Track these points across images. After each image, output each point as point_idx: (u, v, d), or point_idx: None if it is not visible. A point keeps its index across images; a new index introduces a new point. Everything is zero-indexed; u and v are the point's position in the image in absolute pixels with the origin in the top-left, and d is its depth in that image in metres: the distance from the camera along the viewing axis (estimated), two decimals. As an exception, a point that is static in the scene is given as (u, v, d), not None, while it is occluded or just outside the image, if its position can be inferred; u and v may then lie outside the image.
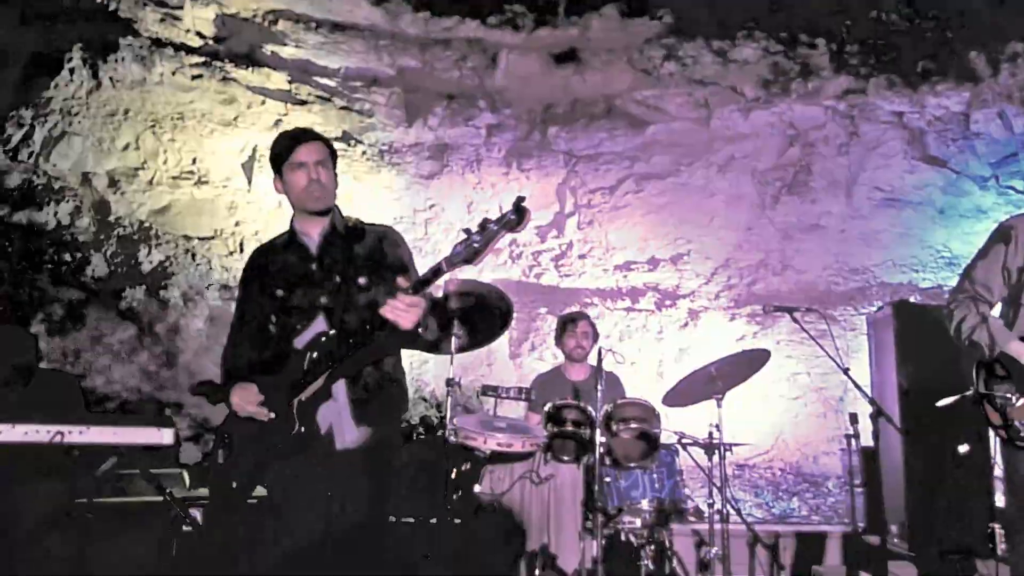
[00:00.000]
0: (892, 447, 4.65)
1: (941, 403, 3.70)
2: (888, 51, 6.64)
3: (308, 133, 2.80)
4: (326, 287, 2.71)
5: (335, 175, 2.80)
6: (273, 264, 2.79)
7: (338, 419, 2.59)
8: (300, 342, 2.63)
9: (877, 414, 3.85)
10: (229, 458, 2.62)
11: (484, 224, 2.32)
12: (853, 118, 6.95)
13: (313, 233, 2.77)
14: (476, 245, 2.30)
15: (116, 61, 6.34)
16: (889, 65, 6.69)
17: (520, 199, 2.29)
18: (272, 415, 2.55)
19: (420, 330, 2.50)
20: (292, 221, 2.81)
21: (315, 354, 2.58)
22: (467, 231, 2.31)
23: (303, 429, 2.54)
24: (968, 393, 3.19)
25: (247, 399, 2.57)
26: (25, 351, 4.13)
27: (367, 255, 2.77)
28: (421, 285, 2.43)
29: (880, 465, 4.62)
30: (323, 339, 2.59)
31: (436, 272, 2.39)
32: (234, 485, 2.60)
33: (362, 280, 2.72)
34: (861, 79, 6.75)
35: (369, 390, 2.66)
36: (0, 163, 6.19)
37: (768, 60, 6.78)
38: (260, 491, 2.68)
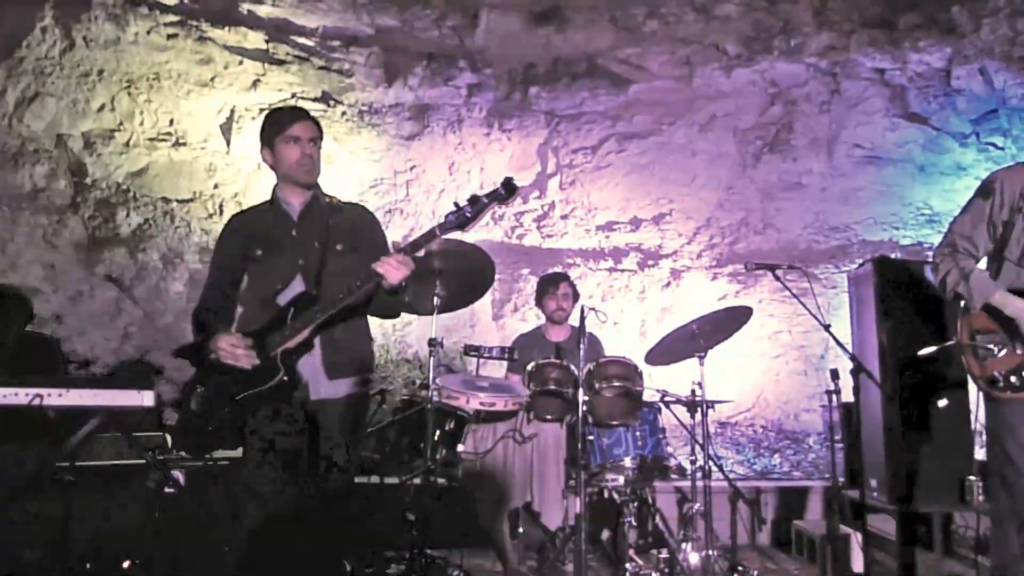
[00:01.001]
0: (872, 403, 4.70)
1: (923, 352, 3.75)
2: (870, 5, 6.58)
3: (304, 112, 3.02)
4: (304, 250, 2.88)
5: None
6: (253, 226, 2.97)
7: (314, 372, 2.79)
8: (282, 299, 2.81)
9: (858, 370, 3.89)
10: (205, 406, 2.74)
11: (475, 198, 2.62)
12: (835, 75, 6.91)
13: (295, 202, 2.97)
14: (468, 215, 2.60)
15: (89, 20, 6.19)
16: (871, 21, 6.64)
17: (509, 178, 2.64)
18: (257, 361, 2.70)
19: (400, 287, 2.69)
20: (275, 190, 3.01)
21: (295, 308, 2.75)
22: (457, 204, 2.63)
23: (286, 378, 2.70)
24: (950, 343, 3.23)
25: (234, 343, 2.71)
26: (21, 313, 4.10)
27: (344, 226, 2.96)
28: (414, 247, 2.66)
29: (860, 421, 4.67)
30: (304, 296, 2.77)
31: (428, 236, 2.66)
32: (210, 429, 2.72)
33: (339, 246, 2.91)
34: (843, 35, 6.70)
35: (339, 348, 2.85)
36: (-28, 125, 6.07)
37: (750, 17, 6.71)
38: (230, 453, 2.81)
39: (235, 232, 3.01)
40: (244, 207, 3.30)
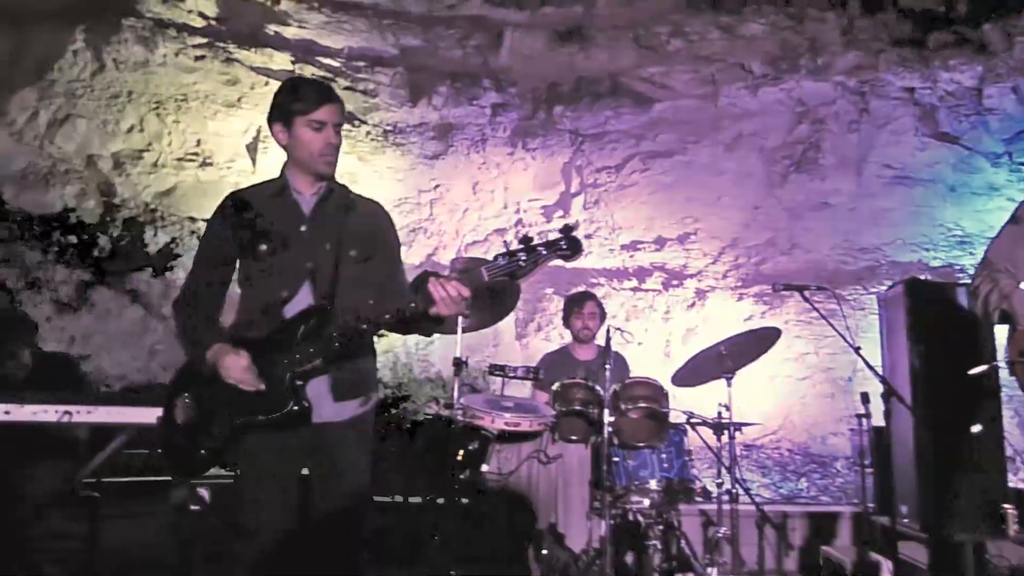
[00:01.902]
0: (903, 427, 4.61)
1: (973, 371, 3.65)
2: (899, 25, 6.53)
3: (332, 92, 2.60)
4: (315, 252, 2.54)
5: None
6: (257, 213, 2.56)
7: (317, 393, 2.48)
8: (289, 310, 2.49)
9: (889, 394, 3.81)
10: (194, 421, 2.46)
11: (531, 248, 2.29)
12: (863, 94, 6.86)
13: (307, 192, 2.61)
14: (522, 264, 2.29)
15: (119, 43, 6.29)
16: (900, 40, 6.59)
17: (571, 227, 2.28)
18: (262, 387, 2.39)
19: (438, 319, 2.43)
20: (285, 171, 2.63)
21: (306, 326, 2.44)
22: (509, 249, 2.30)
23: (296, 408, 2.40)
24: (999, 362, 3.16)
25: (240, 366, 2.39)
26: (26, 334, 4.15)
27: (359, 227, 2.62)
28: (471, 280, 2.35)
29: (891, 445, 4.58)
30: (317, 312, 2.47)
31: (476, 276, 2.34)
32: (202, 452, 2.44)
33: (352, 252, 2.58)
34: (871, 54, 6.66)
35: (345, 367, 2.53)
36: (6, 145, 6.16)
37: (776, 36, 6.69)
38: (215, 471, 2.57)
39: (235, 217, 2.58)
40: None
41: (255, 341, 2.44)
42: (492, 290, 3.86)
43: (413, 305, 2.39)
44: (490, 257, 2.38)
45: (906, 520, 4.63)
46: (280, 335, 2.44)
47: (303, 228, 2.56)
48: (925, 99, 6.84)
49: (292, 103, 2.52)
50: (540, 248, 2.28)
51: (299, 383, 2.42)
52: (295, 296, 2.50)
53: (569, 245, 2.28)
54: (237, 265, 2.59)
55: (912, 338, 4.63)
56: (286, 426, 2.41)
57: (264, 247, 2.51)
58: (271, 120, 2.58)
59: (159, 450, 2.65)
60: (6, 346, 3.99)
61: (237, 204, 2.59)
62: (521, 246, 2.30)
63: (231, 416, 2.42)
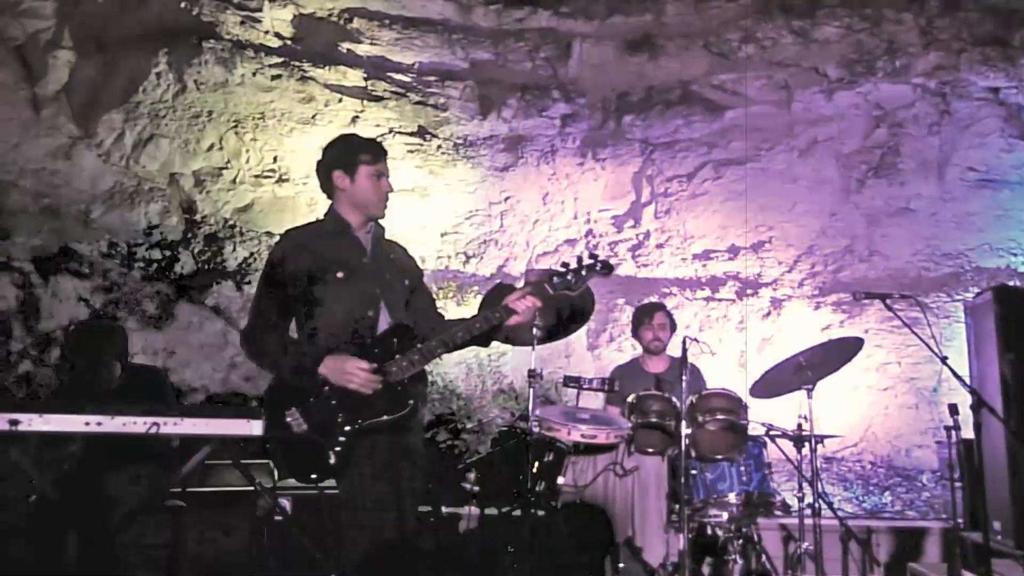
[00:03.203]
0: (994, 439, 4.44)
1: None
2: (981, 23, 6.30)
3: (385, 149, 3.04)
4: (379, 280, 2.92)
5: None
6: (324, 247, 2.91)
7: None
8: (380, 325, 2.85)
9: (978, 405, 3.67)
10: (315, 429, 2.70)
11: (578, 269, 2.95)
12: (944, 96, 6.64)
13: (361, 230, 2.99)
14: (571, 283, 2.95)
15: (200, 64, 6.50)
16: (983, 38, 6.36)
17: (607, 262, 2.98)
18: (379, 386, 2.71)
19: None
20: (339, 214, 2.98)
21: (399, 341, 2.80)
22: (566, 266, 2.97)
23: (411, 402, 2.74)
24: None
25: (363, 367, 2.70)
26: (118, 344, 4.30)
27: (402, 262, 3.07)
28: (538, 291, 2.90)
29: (982, 459, 4.40)
30: (402, 328, 2.84)
31: (541, 289, 2.91)
32: (332, 454, 2.69)
33: (407, 282, 3.02)
34: (952, 54, 6.43)
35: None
36: (95, 166, 6.43)
37: (852, 38, 6.52)
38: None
39: (303, 249, 2.91)
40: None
41: (358, 353, 2.76)
42: (571, 305, 4.05)
43: (498, 315, 2.83)
44: (559, 267, 3.00)
45: (999, 537, 4.45)
46: (378, 347, 2.78)
47: (365, 260, 2.94)
48: (1011, 99, 6.58)
49: (356, 154, 2.94)
50: (584, 269, 2.94)
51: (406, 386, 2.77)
52: (379, 315, 2.86)
53: (603, 266, 2.98)
54: (306, 295, 2.87)
55: (1003, 347, 4.47)
56: (401, 425, 2.75)
57: (340, 274, 2.84)
58: (331, 167, 2.96)
59: (242, 460, 2.89)
60: (98, 356, 4.15)
61: (304, 240, 2.94)
62: (573, 268, 2.94)
63: (355, 419, 2.70)
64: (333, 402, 2.71)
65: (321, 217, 3.07)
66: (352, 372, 2.68)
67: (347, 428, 2.70)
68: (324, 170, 2.98)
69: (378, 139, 3.22)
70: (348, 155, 2.94)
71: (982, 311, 4.73)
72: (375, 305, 2.86)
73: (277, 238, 3.11)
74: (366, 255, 2.94)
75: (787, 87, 6.80)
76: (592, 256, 2.99)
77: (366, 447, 2.72)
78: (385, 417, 2.71)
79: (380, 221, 3.05)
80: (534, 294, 2.88)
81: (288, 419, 2.70)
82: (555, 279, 2.92)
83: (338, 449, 2.67)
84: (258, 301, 2.95)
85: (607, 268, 2.97)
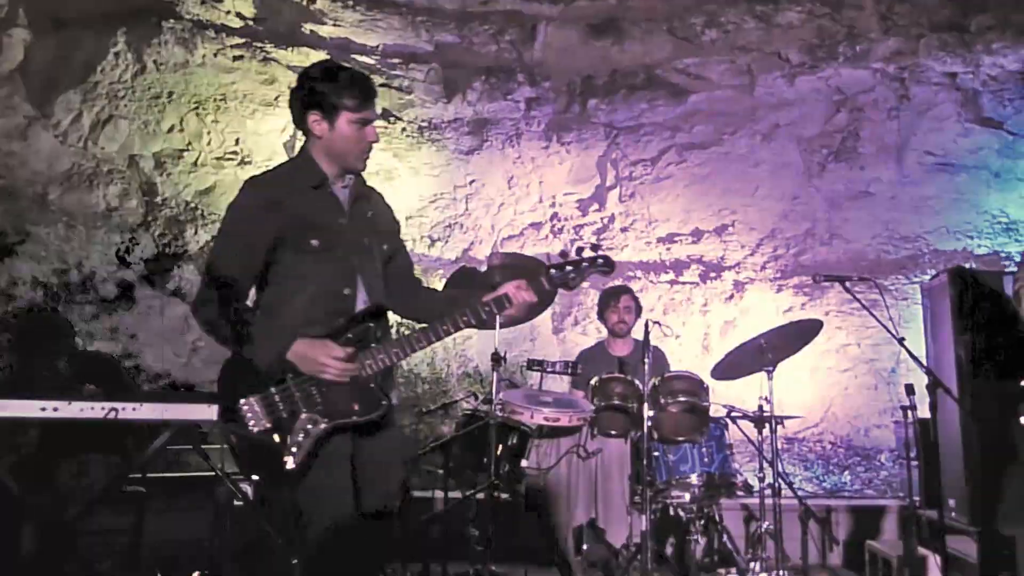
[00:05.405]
0: (949, 419, 4.53)
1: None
2: (939, 8, 6.38)
3: (375, 88, 2.56)
4: (356, 248, 2.52)
5: None
6: (297, 205, 2.45)
7: None
8: (357, 306, 2.48)
9: (934, 385, 3.75)
10: (276, 424, 2.34)
11: (578, 262, 2.58)
12: (903, 81, 6.72)
13: (340, 185, 2.56)
14: (571, 277, 2.58)
15: (159, 44, 6.38)
16: (941, 24, 6.44)
17: (608, 257, 2.64)
18: (354, 371, 2.36)
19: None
20: (316, 160, 2.52)
21: (375, 326, 2.45)
22: (565, 258, 2.59)
23: (385, 402, 2.43)
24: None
25: (339, 356, 2.34)
26: (61, 339, 4.24)
27: (382, 222, 2.66)
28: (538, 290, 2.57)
29: (937, 438, 4.51)
30: (380, 312, 2.50)
31: (539, 286, 2.57)
32: (290, 456, 2.33)
33: (385, 247, 2.63)
34: (911, 40, 6.51)
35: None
36: (52, 147, 6.29)
37: (813, 23, 6.57)
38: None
39: (272, 204, 2.43)
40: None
41: (332, 340, 2.38)
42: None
43: (489, 309, 2.51)
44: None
45: (954, 514, 4.56)
46: (353, 332, 2.41)
47: (342, 221, 2.52)
48: (968, 84, 6.68)
49: (339, 96, 2.44)
50: (586, 264, 2.58)
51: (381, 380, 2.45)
52: (356, 293, 2.48)
53: (605, 262, 2.62)
54: (272, 259, 2.45)
55: (958, 328, 4.56)
56: (374, 424, 2.42)
57: (315, 241, 2.42)
58: (306, 106, 2.47)
59: (202, 446, 2.63)
60: (42, 353, 4.08)
61: (273, 192, 2.47)
62: (573, 261, 2.58)
63: (321, 418, 2.36)
64: (297, 395, 2.35)
65: (291, 159, 2.64)
66: (327, 362, 2.31)
67: (310, 427, 2.33)
68: (299, 106, 2.50)
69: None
70: (329, 95, 2.44)
71: (938, 293, 4.82)
72: (352, 281, 2.47)
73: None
74: (344, 215, 2.52)
75: (750, 71, 6.84)
76: (594, 249, 2.59)
77: (330, 452, 2.36)
78: (356, 418, 2.37)
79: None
80: (531, 287, 2.54)
81: (245, 410, 2.33)
82: (554, 272, 2.54)
83: (295, 451, 2.31)
84: (215, 260, 2.46)
85: (609, 265, 2.61)
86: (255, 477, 2.47)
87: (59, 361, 4.12)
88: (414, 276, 2.81)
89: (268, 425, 2.33)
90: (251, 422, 2.33)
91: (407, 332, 2.52)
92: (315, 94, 2.46)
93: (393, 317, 2.68)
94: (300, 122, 2.52)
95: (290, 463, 2.31)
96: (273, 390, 2.36)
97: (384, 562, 2.60)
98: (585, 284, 6.92)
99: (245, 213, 2.47)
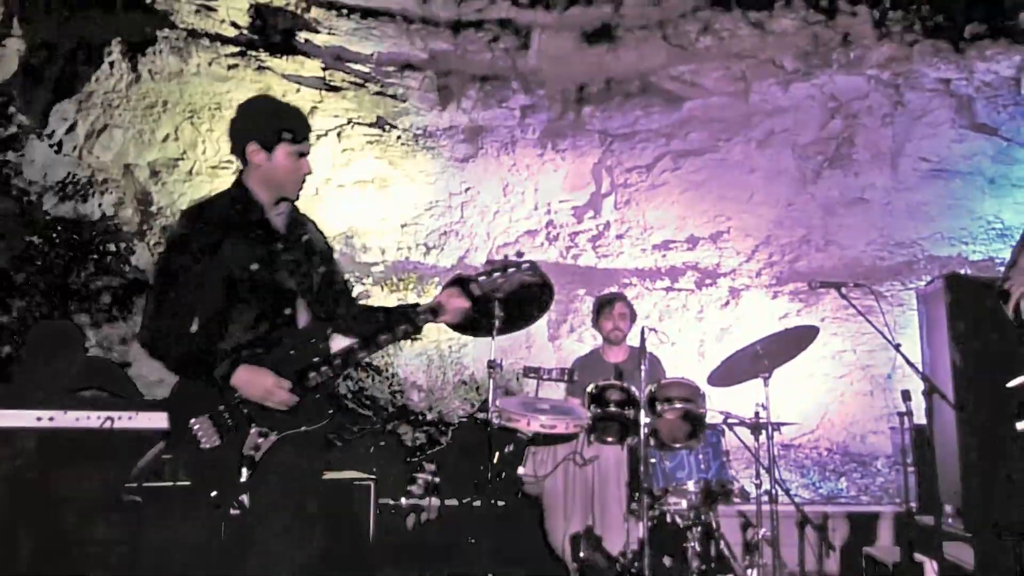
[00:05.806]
0: (946, 425, 4.53)
1: (1012, 383, 3.57)
2: (933, 15, 6.42)
3: (309, 125, 2.75)
4: (294, 271, 2.65)
5: None
6: (235, 234, 2.56)
7: None
8: (299, 324, 2.63)
9: (930, 391, 3.75)
10: (227, 441, 2.44)
11: (505, 266, 2.79)
12: (898, 87, 6.76)
13: (275, 211, 2.68)
14: (499, 281, 2.79)
15: (154, 54, 6.39)
16: (934, 31, 6.48)
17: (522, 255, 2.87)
18: (296, 400, 2.48)
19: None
20: (250, 191, 2.63)
21: (317, 342, 2.59)
22: (493, 267, 2.79)
23: (324, 421, 2.57)
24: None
25: (281, 385, 2.46)
26: (76, 345, 4.21)
27: (317, 244, 2.79)
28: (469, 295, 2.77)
29: (934, 444, 4.50)
30: (321, 329, 2.63)
31: (470, 292, 2.78)
32: (243, 470, 2.45)
33: (322, 269, 2.76)
34: (905, 46, 6.55)
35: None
36: (46, 156, 6.28)
37: (807, 30, 6.61)
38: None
39: (211, 232, 2.54)
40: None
41: (277, 358, 2.52)
42: (512, 299, 3.90)
43: (423, 317, 2.69)
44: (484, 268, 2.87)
45: (951, 520, 4.55)
46: (296, 350, 2.56)
47: (279, 246, 2.65)
48: (961, 90, 6.72)
49: (279, 129, 2.61)
50: (512, 269, 2.78)
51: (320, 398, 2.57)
52: (296, 312, 2.63)
53: (531, 266, 2.82)
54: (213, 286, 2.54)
55: (954, 334, 4.56)
56: (316, 434, 2.54)
57: (256, 266, 2.55)
58: (247, 136, 2.62)
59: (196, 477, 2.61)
60: (55, 359, 4.06)
61: (210, 223, 2.57)
62: (499, 268, 2.79)
63: (270, 430, 2.48)
64: (246, 411, 2.46)
65: (226, 189, 2.71)
66: (272, 391, 2.44)
67: (260, 440, 2.45)
68: (238, 137, 2.64)
69: (306, 114, 2.80)
70: (268, 128, 2.60)
71: (934, 299, 4.82)
72: (291, 302, 2.61)
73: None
74: (280, 240, 2.64)
75: (744, 78, 6.87)
76: (518, 255, 2.89)
77: (278, 460, 2.48)
78: (304, 428, 2.51)
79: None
80: (462, 294, 2.76)
81: (196, 429, 2.42)
82: (482, 279, 2.77)
83: (251, 461, 2.44)
84: (160, 291, 2.53)
85: (533, 268, 2.83)
86: (213, 493, 2.48)
87: (72, 368, 4.10)
88: (351, 295, 2.95)
89: (218, 442, 2.44)
90: (203, 439, 2.43)
91: (348, 346, 2.65)
92: (255, 125, 2.63)
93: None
94: (238, 152, 2.66)
95: (243, 475, 2.43)
96: (222, 408, 2.46)
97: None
98: (581, 291, 6.99)
99: (184, 243, 2.55)
